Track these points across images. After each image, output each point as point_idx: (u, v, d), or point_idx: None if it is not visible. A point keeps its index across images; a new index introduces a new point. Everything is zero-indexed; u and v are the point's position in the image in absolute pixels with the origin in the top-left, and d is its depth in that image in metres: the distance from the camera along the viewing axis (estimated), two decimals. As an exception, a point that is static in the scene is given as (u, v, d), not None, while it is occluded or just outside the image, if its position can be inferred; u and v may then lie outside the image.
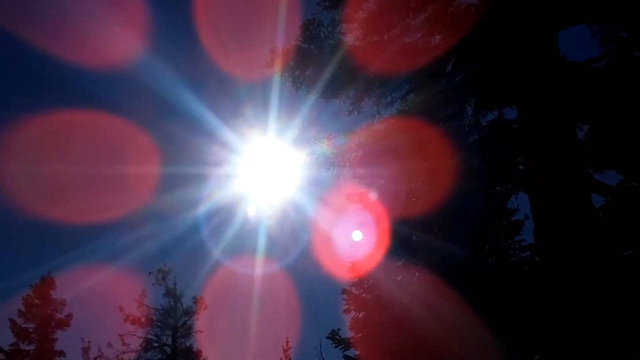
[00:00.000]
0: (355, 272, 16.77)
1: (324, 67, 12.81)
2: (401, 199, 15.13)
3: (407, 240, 15.41)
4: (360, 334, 17.92)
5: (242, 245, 33.95)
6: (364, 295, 17.71)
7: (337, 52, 12.68)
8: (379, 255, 15.56)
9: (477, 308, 13.34)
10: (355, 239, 16.97)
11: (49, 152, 32.05)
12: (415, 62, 12.59)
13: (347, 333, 18.34)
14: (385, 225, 15.53)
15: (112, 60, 26.38)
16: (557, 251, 10.67)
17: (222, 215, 31.87)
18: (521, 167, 13.20)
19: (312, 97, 13.44)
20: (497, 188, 14.83)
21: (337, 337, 18.33)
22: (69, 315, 37.66)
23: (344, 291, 18.48)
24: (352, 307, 18.21)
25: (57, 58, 28.34)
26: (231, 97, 23.31)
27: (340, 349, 18.51)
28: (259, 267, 32.99)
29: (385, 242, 15.37)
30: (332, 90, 13.19)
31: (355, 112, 13.68)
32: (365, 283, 17.49)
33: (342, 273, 17.85)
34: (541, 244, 11.19)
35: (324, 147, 13.78)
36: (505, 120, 13.33)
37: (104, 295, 38.36)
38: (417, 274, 15.67)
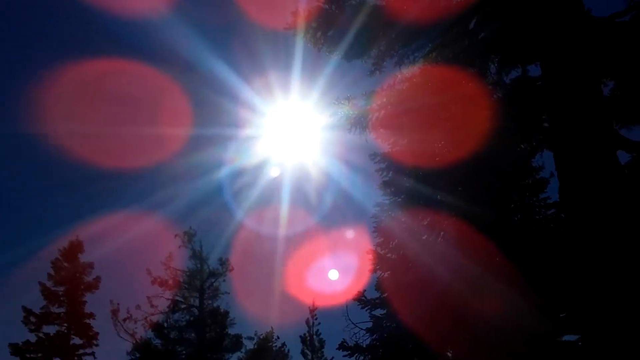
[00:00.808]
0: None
1: (346, 28, 12.72)
2: (426, 157, 15.11)
3: (431, 200, 15.42)
4: (386, 293, 18.05)
5: (265, 206, 34.03)
6: (389, 255, 17.80)
7: (359, 12, 12.58)
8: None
9: (502, 266, 13.37)
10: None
11: (77, 101, 32.00)
12: (437, 20, 12.47)
13: (373, 294, 18.49)
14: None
15: (137, 9, 26.17)
16: (582, 208, 10.58)
17: (246, 177, 31.91)
18: (546, 125, 13.09)
19: (334, 58, 13.37)
20: (522, 145, 14.76)
21: (364, 298, 18.48)
22: (97, 278, 38.11)
23: (369, 251, 18.58)
24: (378, 267, 18.32)
25: (92, 6, 28.21)
26: (255, 57, 23.19)
27: (366, 310, 18.68)
28: (282, 227, 33.11)
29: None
30: (355, 50, 13.11)
31: (378, 72, 13.59)
32: (390, 243, 17.56)
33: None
34: (567, 201, 11.10)
35: (347, 108, 13.73)
36: (529, 77, 13.22)
37: (131, 257, 38.75)
38: (442, 233, 15.71)
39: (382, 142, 15.88)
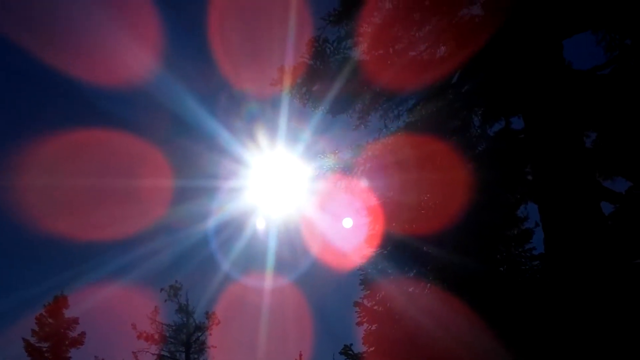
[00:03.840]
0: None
1: (330, 83, 12.89)
2: (410, 211, 15.15)
3: (417, 252, 15.41)
4: (373, 347, 17.92)
5: (252, 259, 34.05)
6: (376, 307, 17.71)
7: (343, 67, 12.76)
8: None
9: (488, 319, 13.34)
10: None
11: (62, 169, 32.15)
12: (421, 75, 12.65)
13: (360, 347, 18.35)
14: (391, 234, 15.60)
15: (126, 78, 26.53)
16: (567, 259, 10.65)
17: (232, 229, 31.92)
18: (529, 177, 13.20)
19: (319, 112, 13.51)
20: (507, 196, 14.84)
21: (350, 352, 18.33)
22: (82, 334, 37.73)
23: (356, 304, 18.49)
24: (364, 320, 18.22)
25: (71, 76, 28.53)
26: (241, 112, 23.39)
27: (353, 364, 18.50)
28: (269, 280, 33.01)
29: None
30: (339, 105, 13.27)
31: (362, 126, 13.74)
32: (377, 295, 17.50)
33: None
34: (551, 252, 11.19)
35: (332, 161, 13.81)
36: (512, 130, 13.37)
37: (117, 313, 38.45)
38: (429, 285, 15.68)
39: (368, 195, 15.92)
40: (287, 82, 13.39)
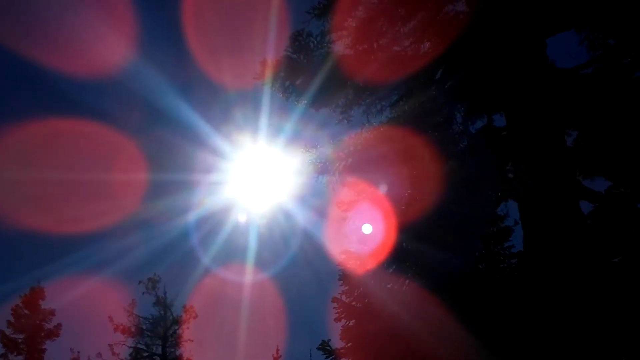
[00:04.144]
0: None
1: (313, 77, 12.85)
2: (391, 206, 15.14)
3: (397, 248, 15.40)
4: (350, 343, 17.89)
5: (232, 253, 33.93)
6: (354, 303, 17.68)
7: (326, 61, 12.72)
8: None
9: (467, 315, 13.36)
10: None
11: (37, 160, 31.93)
12: (404, 70, 12.63)
13: (338, 343, 18.33)
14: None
15: (102, 68, 26.30)
16: (546, 257, 10.70)
17: (213, 223, 31.79)
18: (510, 175, 13.23)
19: (302, 106, 13.46)
20: (487, 194, 14.87)
21: (328, 347, 18.29)
22: (58, 325, 37.57)
23: (334, 299, 18.44)
24: (342, 316, 18.17)
25: (44, 66, 28.27)
26: (222, 104, 23.32)
27: (331, 359, 18.49)
28: (249, 274, 32.93)
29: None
30: (322, 99, 13.22)
31: (345, 121, 13.70)
32: (355, 291, 17.47)
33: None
34: (530, 250, 11.23)
35: (314, 155, 13.78)
36: (494, 127, 13.40)
37: (94, 305, 38.20)
38: (408, 281, 15.68)
39: (348, 190, 15.90)
40: (270, 75, 13.34)
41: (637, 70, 11.66)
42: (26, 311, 36.98)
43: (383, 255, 15.12)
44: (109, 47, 25.83)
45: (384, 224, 15.17)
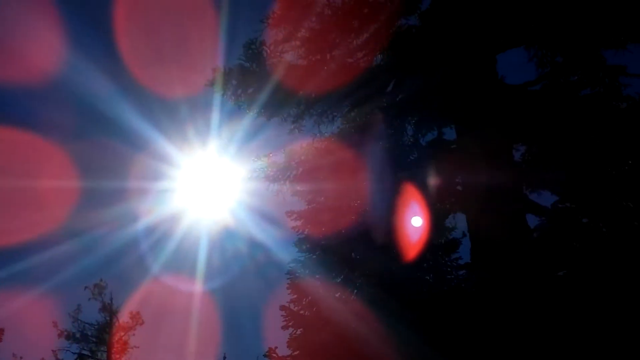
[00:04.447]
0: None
1: (265, 86, 12.84)
2: (340, 215, 15.20)
3: (345, 257, 15.47)
4: (298, 352, 17.90)
5: (181, 260, 33.55)
6: (302, 312, 17.70)
7: (278, 70, 12.72)
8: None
9: (415, 324, 13.46)
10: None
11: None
12: (356, 82, 12.70)
13: (285, 351, 18.31)
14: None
15: (36, 72, 25.82)
16: (492, 270, 10.84)
17: (161, 230, 31.47)
18: (459, 187, 13.37)
19: (253, 115, 13.44)
20: (437, 205, 15.01)
21: (275, 354, 18.29)
22: (1, 330, 36.89)
23: (282, 307, 18.44)
24: (290, 324, 18.18)
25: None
26: (170, 111, 23.11)
27: (278, 367, 18.47)
28: (198, 282, 32.69)
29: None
30: (274, 108, 13.22)
31: (297, 131, 13.72)
32: (304, 300, 17.49)
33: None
34: (477, 262, 11.37)
35: (265, 164, 13.78)
36: (444, 140, 13.52)
37: (38, 311, 37.63)
38: (356, 291, 15.74)
39: (299, 199, 15.93)
40: (221, 83, 13.30)
41: (584, 88, 11.89)
42: (-33, 316, 36.41)
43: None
44: (42, 50, 25.41)
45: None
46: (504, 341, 10.36)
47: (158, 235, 31.99)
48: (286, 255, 17.86)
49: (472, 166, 11.43)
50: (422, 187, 13.26)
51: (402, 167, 13.16)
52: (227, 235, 27.90)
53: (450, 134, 13.36)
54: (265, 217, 18.99)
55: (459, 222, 15.58)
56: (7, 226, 31.31)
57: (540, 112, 11.98)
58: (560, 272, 12.32)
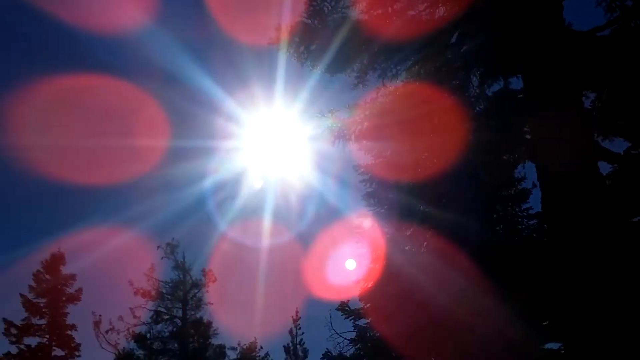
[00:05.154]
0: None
1: (328, 42, 12.77)
2: (408, 169, 15.17)
3: (415, 211, 15.48)
4: (369, 304, 18.08)
5: (248, 218, 33.94)
6: (372, 265, 17.84)
7: (341, 26, 12.63)
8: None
9: (485, 276, 13.45)
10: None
11: (56, 115, 31.65)
12: (419, 35, 12.55)
13: (357, 304, 18.51)
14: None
15: (116, 26, 26.01)
16: (564, 219, 10.69)
17: (229, 188, 31.82)
18: (528, 137, 13.20)
19: (317, 72, 13.41)
20: (505, 157, 14.87)
21: (347, 308, 18.50)
22: (79, 290, 37.94)
23: (352, 261, 18.63)
24: (360, 278, 18.36)
25: (63, 22, 28.08)
26: (237, 69, 23.17)
27: (350, 320, 18.71)
28: (265, 238, 33.06)
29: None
30: (337, 64, 13.15)
31: (361, 86, 13.64)
32: (374, 253, 17.60)
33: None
34: (549, 212, 11.22)
35: (330, 121, 13.78)
36: (511, 90, 13.32)
37: (114, 269, 38.52)
38: (425, 243, 15.77)
39: (365, 154, 15.93)
40: (284, 40, 13.27)
41: (655, 32, 11.56)
42: (47, 276, 37.32)
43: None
44: (125, 5, 25.58)
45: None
46: (578, 291, 10.25)
47: (226, 193, 32.40)
48: (354, 209, 17.98)
49: (541, 115, 11.23)
50: (490, 138, 13.15)
51: (468, 119, 13.04)
52: (294, 192, 28.11)
53: (516, 83, 13.16)
54: (332, 173, 19.07)
55: (528, 172, 15.44)
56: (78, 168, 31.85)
57: (610, 58, 11.70)
58: (634, 219, 12.16)
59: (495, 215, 15.81)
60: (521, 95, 12.72)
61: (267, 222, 31.73)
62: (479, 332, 13.59)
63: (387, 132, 14.09)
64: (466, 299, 13.72)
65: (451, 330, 14.15)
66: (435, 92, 13.10)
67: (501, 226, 15.86)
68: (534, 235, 15.43)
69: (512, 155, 14.46)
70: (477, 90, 13.48)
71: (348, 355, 18.57)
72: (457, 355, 14.25)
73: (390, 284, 16.41)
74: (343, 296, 18.64)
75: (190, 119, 28.96)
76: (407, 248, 16.33)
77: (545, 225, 14.06)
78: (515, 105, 12.79)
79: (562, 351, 13.99)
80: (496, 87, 13.62)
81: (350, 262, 18.44)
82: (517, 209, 15.96)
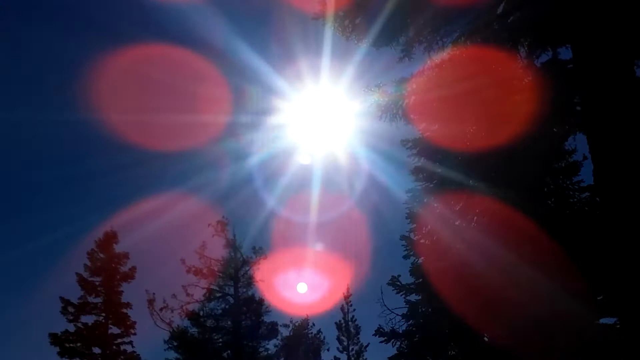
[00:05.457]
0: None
1: (374, 16, 12.66)
2: (457, 143, 15.06)
3: (463, 185, 15.37)
4: (420, 279, 18.07)
5: (296, 195, 33.98)
6: (422, 241, 17.81)
7: (387, -1, 12.52)
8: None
9: (536, 250, 13.31)
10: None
11: (121, 85, 31.76)
12: (467, 5, 12.38)
13: (408, 279, 18.51)
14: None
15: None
16: (617, 191, 10.48)
17: (276, 165, 31.85)
18: (578, 108, 12.97)
19: (363, 46, 13.32)
20: (555, 129, 14.63)
21: (398, 283, 18.52)
22: (133, 268, 38.43)
23: (403, 237, 18.61)
24: (411, 253, 18.36)
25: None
26: (284, 45, 23.11)
27: (401, 295, 18.73)
28: (313, 215, 33.10)
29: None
30: (383, 37, 13.03)
31: (407, 59, 13.51)
32: (423, 229, 17.56)
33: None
34: (601, 184, 11.00)
35: (377, 96, 13.70)
36: (560, 60, 13.08)
37: (166, 247, 38.98)
38: (475, 218, 15.67)
39: (413, 129, 15.83)
40: (329, 14, 13.19)
41: None
42: (101, 255, 37.90)
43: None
44: None
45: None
46: (633, 265, 10.06)
47: (273, 170, 32.49)
48: (402, 185, 17.91)
49: (591, 85, 11.00)
50: (539, 110, 12.94)
51: (516, 91, 12.87)
52: (341, 169, 28.06)
53: (565, 53, 12.91)
54: (379, 148, 19.01)
55: (579, 143, 15.16)
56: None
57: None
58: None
59: (546, 189, 15.60)
60: (571, 66, 12.49)
61: (314, 199, 31.75)
62: (532, 308, 13.49)
63: (435, 105, 13.97)
64: (517, 272, 13.62)
65: (503, 306, 14.07)
66: (484, 64, 12.94)
67: (552, 199, 15.64)
68: (586, 208, 15.19)
69: (563, 127, 14.22)
70: (525, 61, 13.25)
71: (400, 331, 18.61)
72: (510, 330, 14.17)
73: (441, 259, 16.37)
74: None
75: (237, 94, 28.93)
76: (456, 222, 16.25)
77: (597, 199, 13.82)
78: (564, 76, 12.55)
79: (618, 326, 13.82)
80: (545, 57, 13.39)
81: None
82: (568, 182, 15.70)
